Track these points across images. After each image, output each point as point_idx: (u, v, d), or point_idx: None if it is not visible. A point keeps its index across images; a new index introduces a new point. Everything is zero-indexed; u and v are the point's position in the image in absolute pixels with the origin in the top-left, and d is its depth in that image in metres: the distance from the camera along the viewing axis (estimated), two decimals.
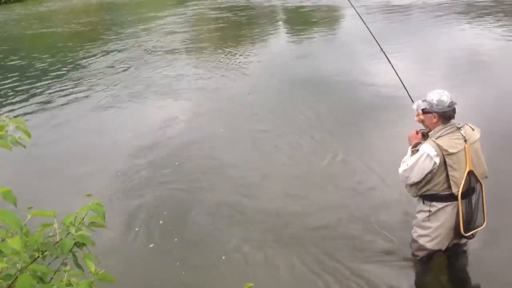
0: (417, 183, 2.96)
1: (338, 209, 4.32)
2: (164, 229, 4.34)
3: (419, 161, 2.86)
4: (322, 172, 5.05)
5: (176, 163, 5.63)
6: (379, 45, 3.82)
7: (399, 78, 3.59)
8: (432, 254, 3.21)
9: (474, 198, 2.93)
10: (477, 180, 2.93)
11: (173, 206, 4.71)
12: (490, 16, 11.87)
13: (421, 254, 3.23)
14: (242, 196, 4.73)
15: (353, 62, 9.14)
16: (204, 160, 5.65)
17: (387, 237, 3.83)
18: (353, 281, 3.42)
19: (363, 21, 4.04)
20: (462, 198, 2.86)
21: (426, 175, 2.88)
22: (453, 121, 2.91)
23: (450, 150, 2.80)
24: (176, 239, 4.16)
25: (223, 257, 3.84)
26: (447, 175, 2.83)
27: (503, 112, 5.87)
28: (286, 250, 3.83)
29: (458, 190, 2.84)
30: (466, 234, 2.94)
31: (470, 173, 2.86)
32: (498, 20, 11.45)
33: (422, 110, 2.96)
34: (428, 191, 2.95)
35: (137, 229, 4.39)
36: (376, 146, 5.51)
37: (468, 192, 2.90)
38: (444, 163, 2.82)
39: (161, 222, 4.45)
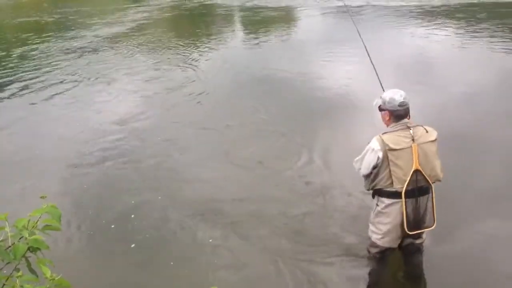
0: (367, 176, 3.07)
1: (291, 204, 4.42)
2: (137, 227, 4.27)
3: (366, 154, 2.99)
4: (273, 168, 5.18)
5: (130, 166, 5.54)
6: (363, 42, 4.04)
7: (376, 74, 3.68)
8: (384, 251, 3.21)
9: (423, 198, 2.93)
10: (427, 182, 2.92)
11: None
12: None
13: (373, 250, 3.26)
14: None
15: (307, 62, 9.22)
16: (166, 159, 5.61)
17: (342, 234, 3.93)
18: (307, 278, 3.48)
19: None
20: (407, 197, 2.88)
21: (373, 169, 2.97)
22: (406, 120, 2.96)
23: (392, 146, 2.86)
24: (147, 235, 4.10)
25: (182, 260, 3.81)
26: (390, 171, 2.90)
27: (447, 112, 6.11)
28: (253, 251, 3.84)
29: (402, 187, 2.87)
30: (411, 233, 2.97)
31: (417, 173, 2.87)
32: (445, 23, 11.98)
33: (378, 107, 3.06)
34: (377, 185, 3.01)
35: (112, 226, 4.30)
36: (328, 142, 5.67)
37: (414, 191, 2.89)
38: (386, 158, 2.88)
39: (132, 216, 4.39)
